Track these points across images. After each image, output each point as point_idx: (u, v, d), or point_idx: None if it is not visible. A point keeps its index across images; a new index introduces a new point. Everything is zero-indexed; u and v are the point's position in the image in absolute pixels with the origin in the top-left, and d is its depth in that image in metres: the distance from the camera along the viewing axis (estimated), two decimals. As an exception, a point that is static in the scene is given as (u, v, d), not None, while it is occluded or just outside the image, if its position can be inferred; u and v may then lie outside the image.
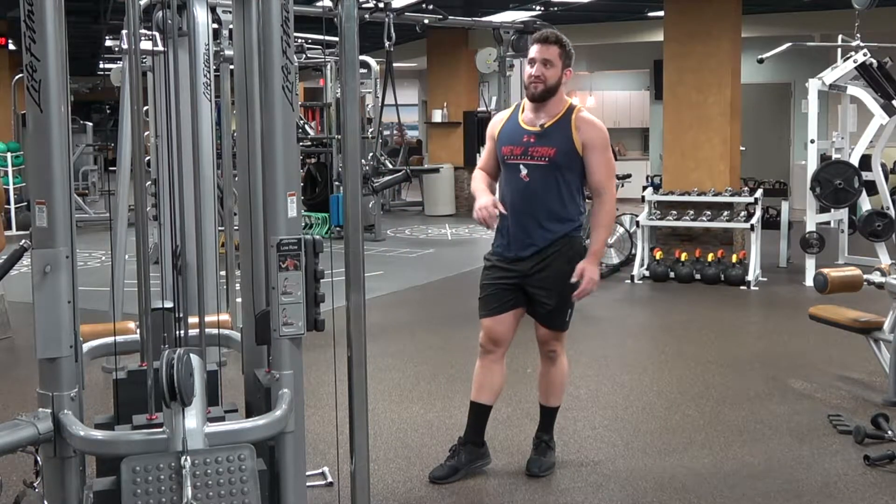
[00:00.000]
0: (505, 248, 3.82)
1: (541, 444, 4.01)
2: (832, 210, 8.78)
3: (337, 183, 11.30)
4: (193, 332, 2.63)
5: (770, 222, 9.35)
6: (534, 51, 3.75)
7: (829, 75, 8.60)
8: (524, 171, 3.74)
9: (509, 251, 3.80)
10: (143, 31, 4.22)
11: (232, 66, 3.62)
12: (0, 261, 3.57)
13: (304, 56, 10.87)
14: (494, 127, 3.92)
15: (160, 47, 4.01)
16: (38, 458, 2.48)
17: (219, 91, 6.00)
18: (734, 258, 8.63)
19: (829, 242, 8.84)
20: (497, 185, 3.95)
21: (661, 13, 9.85)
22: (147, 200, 4.31)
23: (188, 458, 2.27)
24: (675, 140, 9.36)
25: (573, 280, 3.72)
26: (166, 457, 2.29)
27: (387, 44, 6.14)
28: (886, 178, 9.35)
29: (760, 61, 9.08)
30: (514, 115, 3.87)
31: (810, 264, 8.34)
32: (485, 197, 3.72)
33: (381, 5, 6.23)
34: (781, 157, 14.68)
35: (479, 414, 3.94)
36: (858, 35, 8.49)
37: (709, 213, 8.79)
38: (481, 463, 3.97)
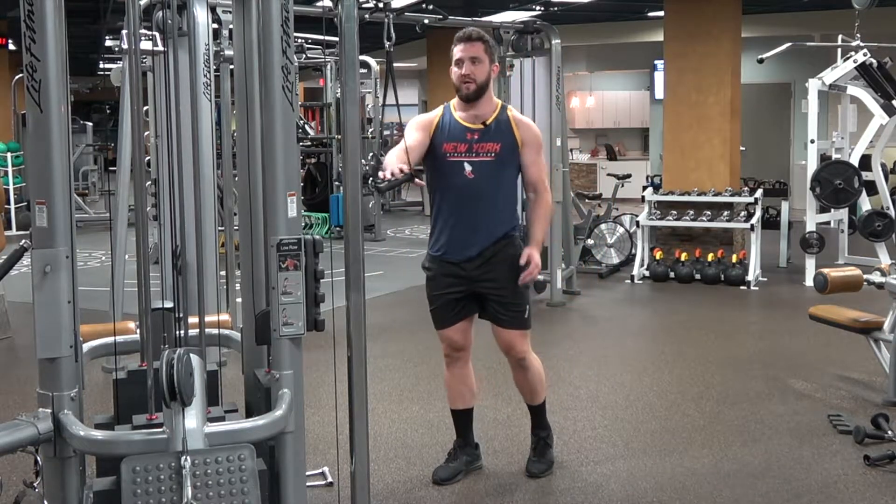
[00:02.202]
0: (447, 251, 3.79)
1: (539, 443, 4.01)
2: (832, 210, 8.78)
3: (337, 183, 11.30)
4: (193, 332, 2.63)
5: (770, 222, 9.35)
6: (459, 50, 3.70)
7: (829, 75, 8.60)
8: (469, 168, 3.70)
9: (453, 254, 3.77)
10: (143, 31, 4.22)
11: (232, 66, 3.62)
12: (0, 261, 3.57)
13: (304, 56, 10.86)
14: (424, 124, 3.77)
15: (160, 47, 4.01)
16: (38, 458, 2.48)
17: (219, 91, 6.00)
18: (734, 258, 8.62)
19: (829, 242, 8.83)
20: (431, 190, 3.85)
21: (661, 13, 9.85)
22: (147, 200, 4.30)
23: (188, 458, 2.27)
24: (675, 140, 9.36)
25: (521, 262, 3.68)
26: (166, 457, 2.29)
27: (387, 44, 6.12)
28: (886, 178, 9.35)
29: (760, 61, 9.07)
30: (448, 115, 3.78)
31: (810, 264, 8.34)
32: (396, 152, 3.61)
33: (381, 5, 6.20)
34: (781, 157, 14.68)
35: (464, 419, 3.97)
36: (858, 35, 8.49)
37: (709, 213, 8.78)
38: (478, 464, 3.99)
